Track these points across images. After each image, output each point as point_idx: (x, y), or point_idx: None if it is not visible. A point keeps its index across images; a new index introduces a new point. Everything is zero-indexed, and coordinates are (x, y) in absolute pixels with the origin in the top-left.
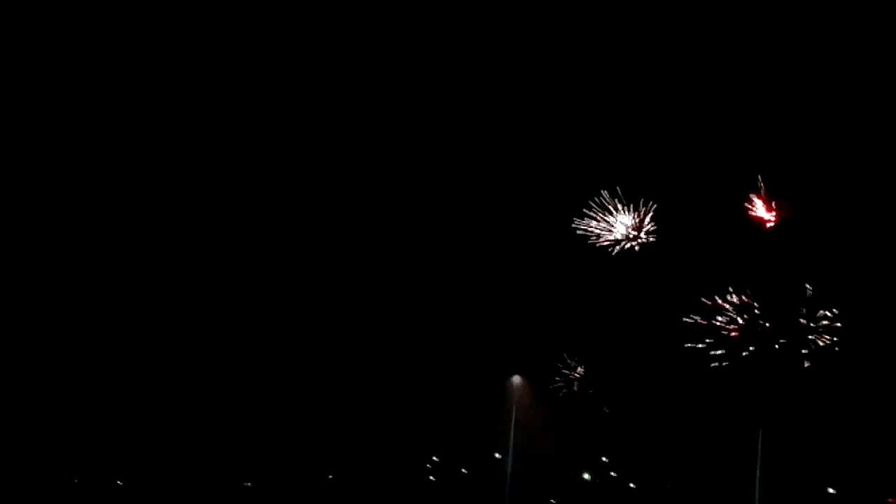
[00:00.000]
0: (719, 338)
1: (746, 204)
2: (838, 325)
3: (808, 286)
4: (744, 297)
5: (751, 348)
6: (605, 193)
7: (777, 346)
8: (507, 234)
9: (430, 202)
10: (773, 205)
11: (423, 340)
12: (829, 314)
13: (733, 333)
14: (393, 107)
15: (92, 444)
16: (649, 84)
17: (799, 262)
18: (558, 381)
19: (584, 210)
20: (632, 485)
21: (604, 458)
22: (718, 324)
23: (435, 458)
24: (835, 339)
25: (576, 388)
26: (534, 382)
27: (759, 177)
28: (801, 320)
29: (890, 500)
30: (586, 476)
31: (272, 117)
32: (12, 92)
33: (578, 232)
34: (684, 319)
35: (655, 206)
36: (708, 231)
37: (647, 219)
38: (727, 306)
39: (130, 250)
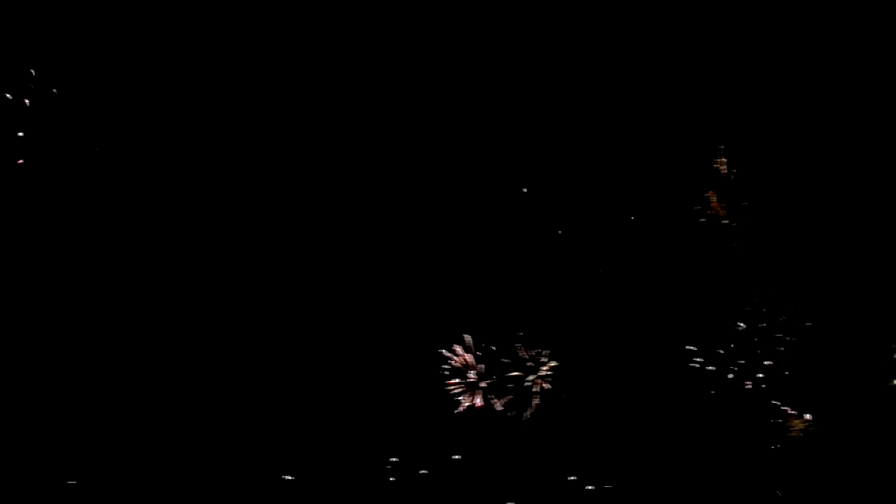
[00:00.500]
0: None
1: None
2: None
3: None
4: None
5: None
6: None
7: None
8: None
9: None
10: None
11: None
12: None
13: None
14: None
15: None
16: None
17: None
18: (510, 388)
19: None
20: (589, 487)
21: (562, 459)
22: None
23: (394, 459)
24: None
25: (537, 403)
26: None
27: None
28: (761, 325)
29: None
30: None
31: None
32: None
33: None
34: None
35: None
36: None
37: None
38: None
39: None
